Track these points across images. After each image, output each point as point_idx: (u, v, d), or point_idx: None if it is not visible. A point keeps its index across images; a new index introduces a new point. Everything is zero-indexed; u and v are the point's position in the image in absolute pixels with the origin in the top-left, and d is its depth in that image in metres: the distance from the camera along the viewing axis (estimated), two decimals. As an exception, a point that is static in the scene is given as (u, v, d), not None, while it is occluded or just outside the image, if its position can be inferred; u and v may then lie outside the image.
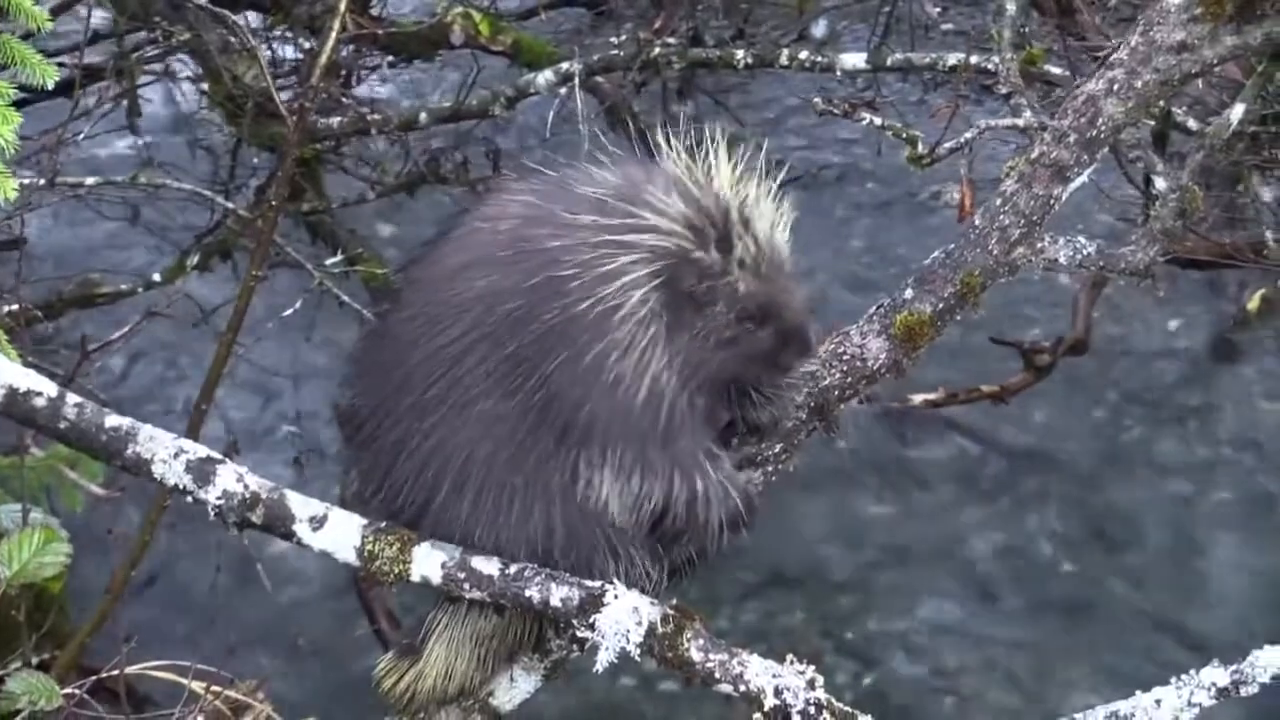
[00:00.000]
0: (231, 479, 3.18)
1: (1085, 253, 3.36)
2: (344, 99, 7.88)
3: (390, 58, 8.81)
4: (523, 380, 2.97)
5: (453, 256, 3.12)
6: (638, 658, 3.05)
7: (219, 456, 3.22)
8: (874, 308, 3.40)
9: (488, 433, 3.03)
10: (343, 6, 4.92)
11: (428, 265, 3.19)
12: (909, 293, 3.35)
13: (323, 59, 5.00)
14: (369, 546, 3.15)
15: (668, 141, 3.04)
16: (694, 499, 3.08)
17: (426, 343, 3.08)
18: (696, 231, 2.94)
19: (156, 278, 7.65)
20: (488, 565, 3.09)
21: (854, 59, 7.07)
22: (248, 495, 3.17)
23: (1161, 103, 3.48)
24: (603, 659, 3.05)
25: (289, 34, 8.42)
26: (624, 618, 3.02)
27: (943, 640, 7.17)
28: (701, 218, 2.95)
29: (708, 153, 3.01)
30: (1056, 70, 6.22)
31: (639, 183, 3.00)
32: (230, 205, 7.47)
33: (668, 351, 2.96)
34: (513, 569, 3.08)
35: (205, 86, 8.37)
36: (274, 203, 4.96)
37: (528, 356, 2.95)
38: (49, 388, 3.23)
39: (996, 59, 5.51)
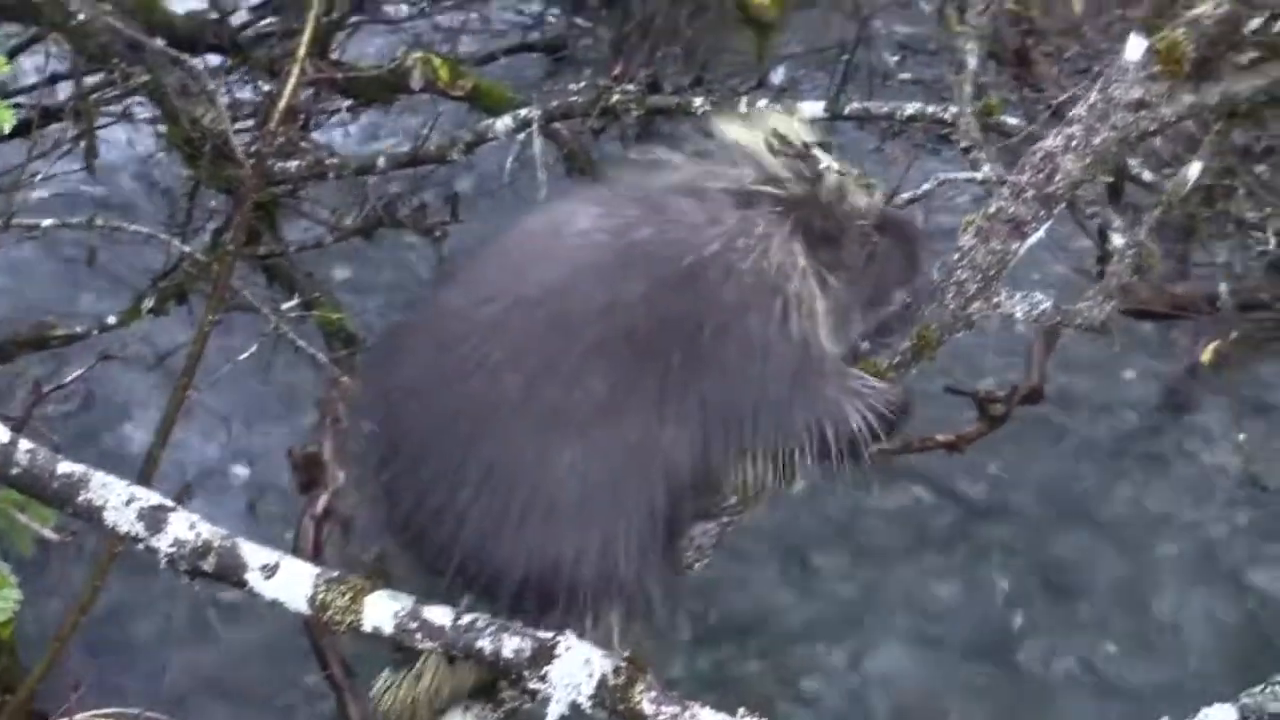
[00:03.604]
0: (183, 527, 3.16)
1: (1042, 308, 3.37)
2: (302, 143, 7.86)
3: (349, 102, 8.81)
4: (678, 387, 2.87)
5: (523, 281, 2.94)
6: (589, 710, 3.03)
7: (171, 504, 3.20)
8: (831, 360, 3.38)
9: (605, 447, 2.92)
10: (303, 51, 4.92)
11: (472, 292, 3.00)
12: (865, 346, 3.34)
13: (282, 103, 5.00)
14: (321, 596, 3.12)
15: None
16: (850, 431, 3.04)
17: (519, 367, 2.90)
18: (795, 175, 2.97)
19: (111, 320, 7.61)
20: (439, 615, 3.07)
21: (813, 107, 7.09)
22: (200, 543, 3.15)
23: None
24: (554, 711, 3.03)
25: (248, 77, 8.41)
26: (575, 670, 3.01)
27: (895, 691, 7.16)
28: (782, 163, 2.97)
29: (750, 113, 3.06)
30: (1013, 120, 6.26)
31: (710, 163, 3.04)
32: (187, 249, 7.44)
33: (825, 300, 2.96)
34: (465, 619, 3.05)
35: (163, 129, 8.35)
36: (231, 247, 4.95)
37: (693, 353, 2.86)
38: (1, 433, 3.21)
39: (954, 108, 5.56)
